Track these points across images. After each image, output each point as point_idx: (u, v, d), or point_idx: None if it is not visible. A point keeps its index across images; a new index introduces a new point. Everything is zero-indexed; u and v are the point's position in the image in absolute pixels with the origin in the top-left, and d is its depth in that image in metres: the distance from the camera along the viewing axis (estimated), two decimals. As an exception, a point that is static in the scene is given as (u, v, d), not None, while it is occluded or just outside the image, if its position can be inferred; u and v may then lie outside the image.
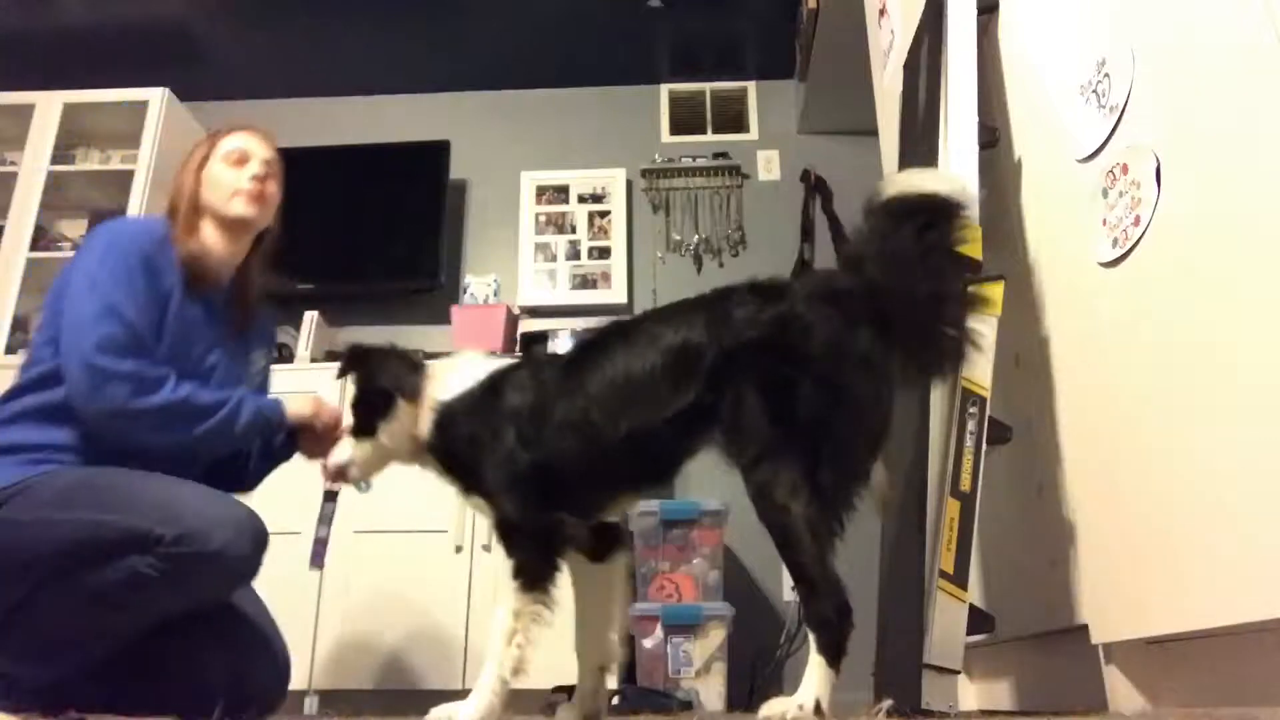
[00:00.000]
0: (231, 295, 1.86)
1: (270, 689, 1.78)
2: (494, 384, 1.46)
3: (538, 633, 1.32)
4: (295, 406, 1.76)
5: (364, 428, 1.53)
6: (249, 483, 1.91)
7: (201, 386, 1.67)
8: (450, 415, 1.46)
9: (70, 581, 1.52)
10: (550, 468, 1.35)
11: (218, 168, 1.85)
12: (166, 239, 1.74)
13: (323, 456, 1.65)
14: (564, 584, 1.44)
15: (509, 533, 1.36)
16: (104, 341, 1.57)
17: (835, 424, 1.21)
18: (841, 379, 1.22)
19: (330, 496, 1.81)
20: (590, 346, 1.43)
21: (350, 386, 1.58)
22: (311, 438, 1.79)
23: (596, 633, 1.49)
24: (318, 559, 1.78)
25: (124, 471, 1.60)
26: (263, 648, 1.78)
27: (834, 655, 1.17)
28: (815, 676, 1.16)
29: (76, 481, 1.58)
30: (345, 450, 1.54)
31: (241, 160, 1.87)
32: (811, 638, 1.18)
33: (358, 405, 1.55)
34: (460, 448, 1.44)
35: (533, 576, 1.32)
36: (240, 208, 1.84)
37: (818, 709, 1.13)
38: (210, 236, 1.82)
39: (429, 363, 1.55)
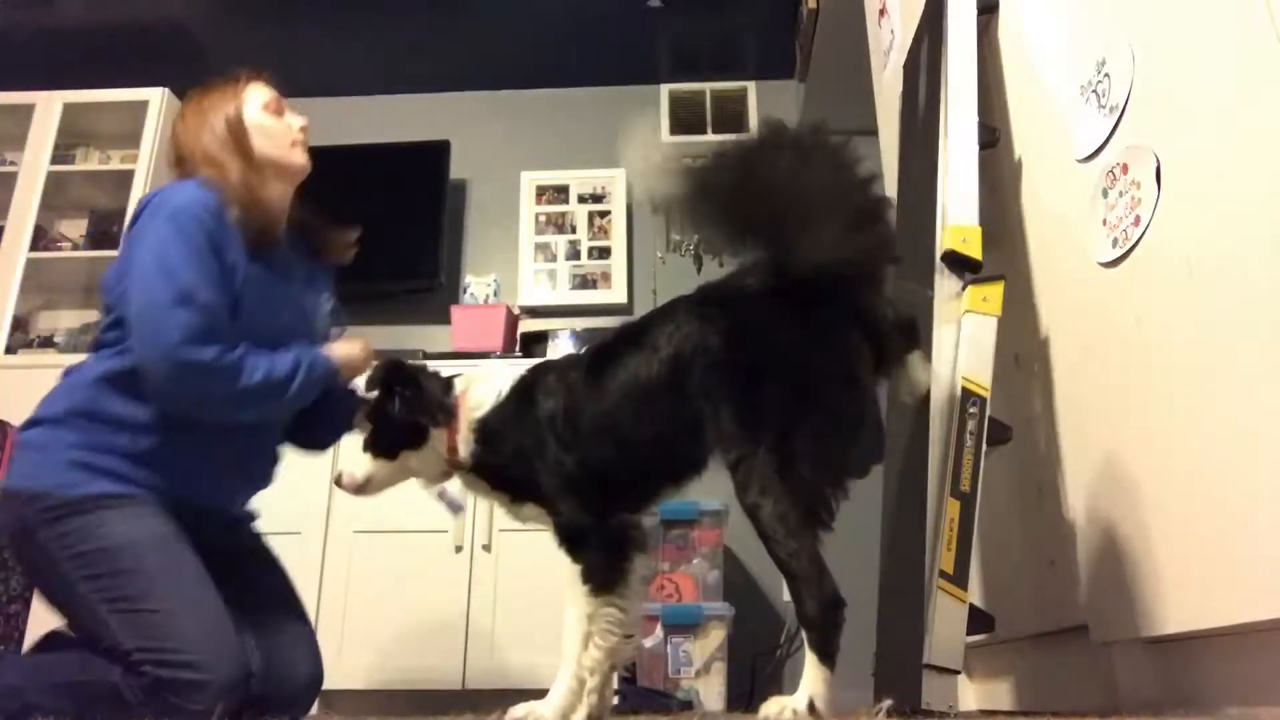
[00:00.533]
0: (298, 241, 1.85)
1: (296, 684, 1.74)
2: (524, 390, 1.45)
3: (615, 633, 1.33)
4: (342, 351, 1.76)
5: (386, 449, 1.50)
6: (323, 447, 1.94)
7: (271, 354, 1.62)
8: (492, 429, 1.44)
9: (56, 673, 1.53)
10: (591, 467, 1.36)
11: (264, 118, 1.78)
12: (222, 206, 1.65)
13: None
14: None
15: (573, 536, 1.36)
16: (186, 332, 1.52)
17: (801, 418, 1.20)
18: (800, 373, 1.22)
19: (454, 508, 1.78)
20: (604, 352, 1.43)
21: (372, 397, 1.53)
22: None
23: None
24: (454, 506, 1.76)
25: (165, 556, 1.57)
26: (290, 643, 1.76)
27: (824, 651, 1.17)
28: (808, 675, 1.16)
29: (114, 551, 1.54)
30: (363, 466, 1.51)
31: (280, 110, 1.82)
32: (804, 635, 1.19)
33: (383, 425, 1.50)
34: (508, 459, 1.43)
35: (603, 579, 1.33)
36: (300, 158, 1.81)
37: (811, 708, 1.13)
38: (274, 190, 1.76)
39: (457, 379, 1.51)
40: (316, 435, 1.88)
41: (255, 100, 1.79)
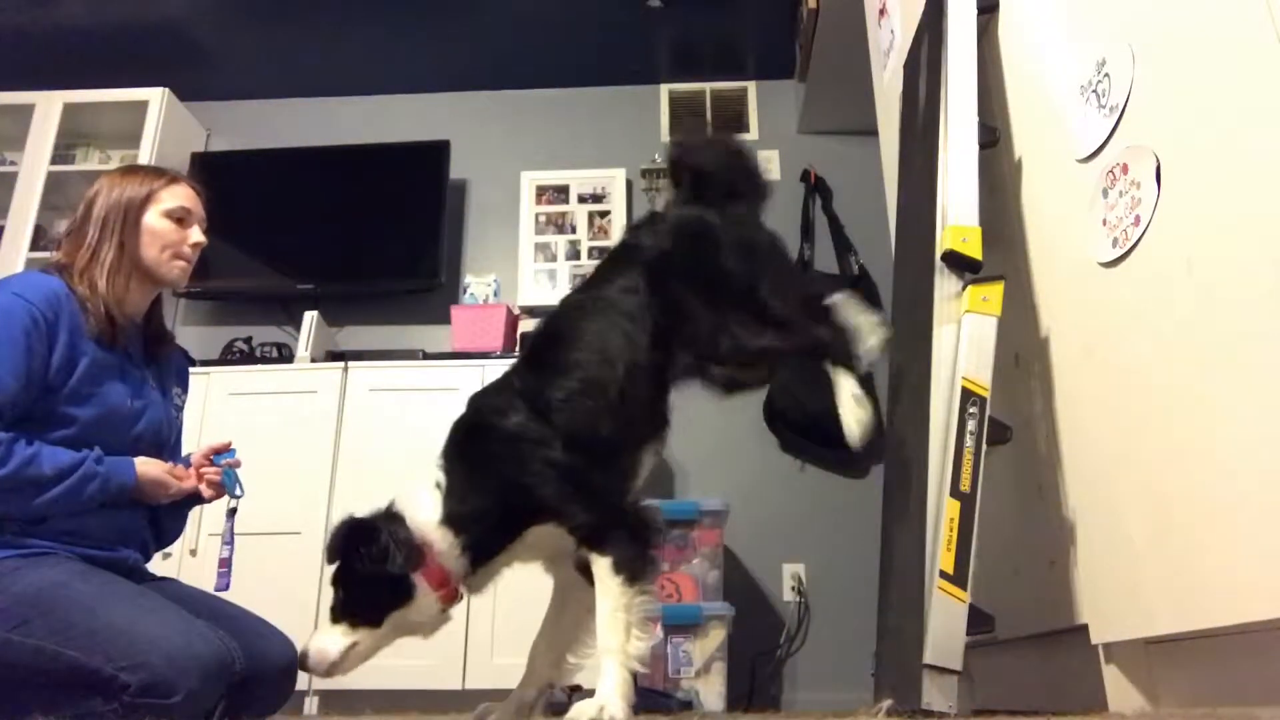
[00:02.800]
0: (145, 333, 1.83)
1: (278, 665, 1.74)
2: (466, 443, 1.43)
3: (650, 625, 1.34)
4: (145, 468, 1.68)
5: (369, 617, 1.35)
6: (163, 544, 1.89)
7: (54, 449, 1.58)
8: (465, 511, 1.37)
9: (16, 700, 1.46)
10: (580, 440, 1.38)
11: (159, 222, 1.76)
12: (67, 297, 1.64)
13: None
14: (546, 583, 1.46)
15: (596, 534, 1.36)
16: None
17: (760, 275, 1.51)
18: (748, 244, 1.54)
19: (231, 514, 1.80)
20: (543, 337, 1.53)
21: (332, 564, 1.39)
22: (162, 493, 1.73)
23: (558, 648, 1.51)
24: (223, 579, 1.76)
25: (89, 583, 1.54)
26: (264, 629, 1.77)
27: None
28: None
29: (35, 594, 1.50)
30: (339, 640, 1.34)
31: (184, 220, 1.79)
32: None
33: (358, 592, 1.35)
34: (497, 509, 1.38)
35: (634, 570, 1.33)
36: (176, 273, 1.78)
37: None
38: (132, 289, 1.75)
39: (396, 500, 1.41)
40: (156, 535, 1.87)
41: (165, 203, 1.78)
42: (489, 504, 1.38)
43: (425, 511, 1.37)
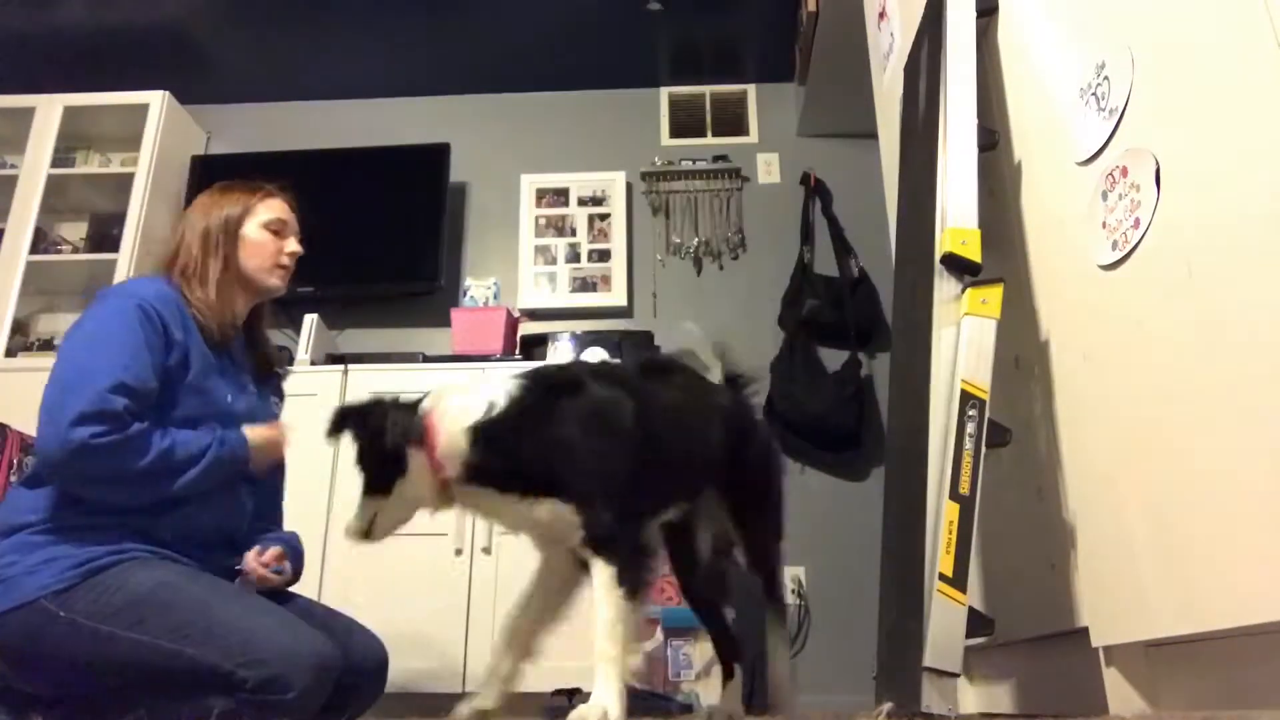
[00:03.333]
0: (249, 341, 1.90)
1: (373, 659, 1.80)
2: (548, 387, 1.46)
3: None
4: (254, 433, 1.76)
5: (378, 487, 1.45)
6: None
7: (177, 432, 1.62)
8: (498, 431, 1.40)
9: (135, 696, 1.50)
10: (651, 469, 1.43)
11: (259, 233, 1.85)
12: (177, 300, 1.72)
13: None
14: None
15: (606, 538, 1.36)
16: (87, 408, 1.51)
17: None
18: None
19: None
20: (656, 367, 1.68)
21: (350, 443, 1.48)
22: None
23: (534, 627, 1.52)
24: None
25: (198, 583, 1.57)
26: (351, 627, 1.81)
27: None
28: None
29: (149, 593, 1.53)
30: (366, 511, 1.46)
31: (280, 231, 1.87)
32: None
33: (364, 465, 1.46)
34: (527, 453, 1.40)
35: (635, 584, 1.35)
36: (277, 281, 1.87)
37: None
38: (238, 300, 1.83)
39: (428, 396, 1.47)
40: None
41: (262, 215, 1.86)
42: (523, 449, 1.40)
43: (461, 408, 1.42)
